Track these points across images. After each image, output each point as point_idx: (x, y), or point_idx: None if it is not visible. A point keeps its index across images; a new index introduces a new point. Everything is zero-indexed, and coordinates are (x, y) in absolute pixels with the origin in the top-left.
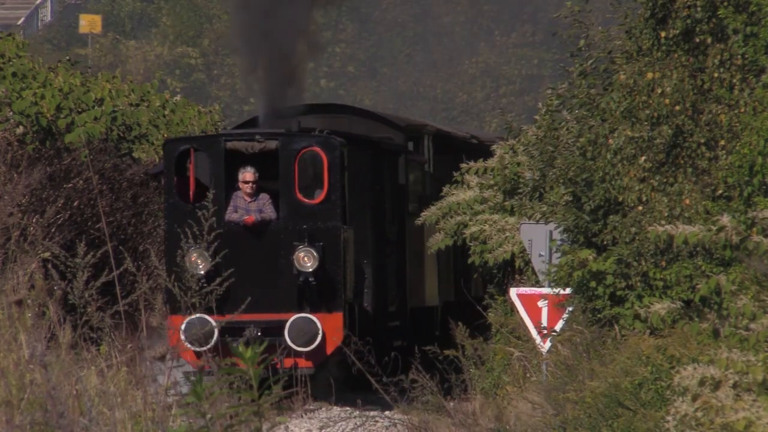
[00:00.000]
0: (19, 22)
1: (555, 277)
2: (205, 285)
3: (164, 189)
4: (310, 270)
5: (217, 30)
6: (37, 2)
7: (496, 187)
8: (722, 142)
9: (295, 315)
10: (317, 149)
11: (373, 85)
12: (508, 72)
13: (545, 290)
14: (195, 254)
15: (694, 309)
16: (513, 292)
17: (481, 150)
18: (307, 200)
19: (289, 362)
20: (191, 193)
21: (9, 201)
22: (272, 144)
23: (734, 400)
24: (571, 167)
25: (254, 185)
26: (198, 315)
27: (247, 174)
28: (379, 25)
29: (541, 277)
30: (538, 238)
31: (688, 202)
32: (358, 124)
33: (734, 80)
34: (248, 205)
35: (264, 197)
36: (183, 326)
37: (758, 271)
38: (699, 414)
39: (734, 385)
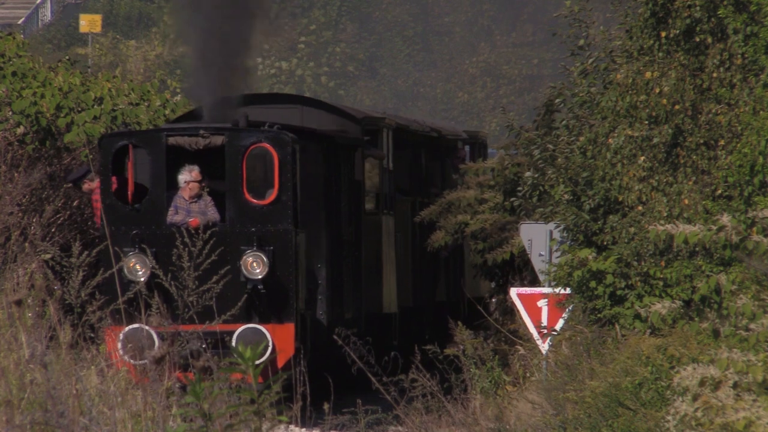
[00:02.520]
0: (19, 22)
1: (555, 277)
2: (145, 293)
3: (101, 189)
4: (259, 277)
5: None
6: (37, 2)
7: (496, 188)
8: (722, 142)
9: (243, 326)
10: (267, 146)
11: (373, 85)
12: (508, 72)
13: (545, 290)
14: (134, 260)
15: (694, 309)
16: (513, 291)
17: (442, 144)
18: (256, 201)
19: (237, 376)
20: (130, 193)
21: (9, 201)
22: (218, 140)
23: (734, 400)
24: (570, 166)
25: (199, 185)
26: (135, 325)
27: (193, 172)
28: (379, 25)
29: (541, 277)
30: (538, 237)
31: (687, 201)
32: (311, 116)
33: (734, 80)
34: (189, 206)
35: (206, 198)
36: (120, 337)
37: (758, 271)
38: (699, 414)
39: (734, 385)
